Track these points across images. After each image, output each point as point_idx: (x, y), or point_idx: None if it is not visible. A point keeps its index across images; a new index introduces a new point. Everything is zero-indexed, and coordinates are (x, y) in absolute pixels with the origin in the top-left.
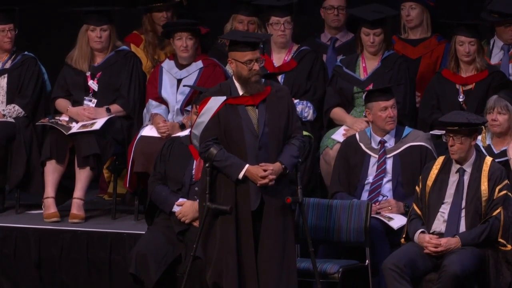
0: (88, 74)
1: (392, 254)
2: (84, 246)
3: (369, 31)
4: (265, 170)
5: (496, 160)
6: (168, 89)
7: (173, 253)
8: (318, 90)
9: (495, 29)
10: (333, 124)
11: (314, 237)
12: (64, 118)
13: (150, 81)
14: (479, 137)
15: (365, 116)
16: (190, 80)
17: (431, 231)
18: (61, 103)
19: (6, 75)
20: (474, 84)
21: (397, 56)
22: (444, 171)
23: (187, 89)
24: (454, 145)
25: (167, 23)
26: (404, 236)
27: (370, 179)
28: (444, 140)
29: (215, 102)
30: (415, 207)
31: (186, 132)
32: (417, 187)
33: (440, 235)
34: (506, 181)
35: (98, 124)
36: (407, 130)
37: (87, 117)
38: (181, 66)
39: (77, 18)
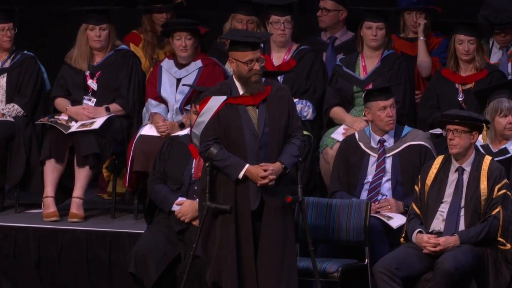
0: (87, 73)
1: (383, 258)
2: (84, 245)
3: (372, 24)
4: (265, 170)
5: (495, 159)
6: (167, 89)
7: (173, 252)
8: (318, 89)
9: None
10: (333, 124)
11: (313, 236)
12: (63, 117)
13: (149, 80)
14: (480, 137)
15: (365, 116)
16: (190, 79)
17: (430, 230)
18: (61, 102)
19: (5, 74)
20: (473, 83)
21: (397, 56)
22: (443, 170)
23: (187, 88)
24: (454, 139)
25: (166, 22)
26: (403, 235)
27: (369, 178)
28: (444, 135)
29: (215, 102)
30: (414, 207)
31: (185, 131)
32: (416, 187)
33: (439, 234)
34: (505, 180)
35: (98, 123)
36: (407, 129)
37: (87, 116)
38: (180, 66)
39: (76, 17)
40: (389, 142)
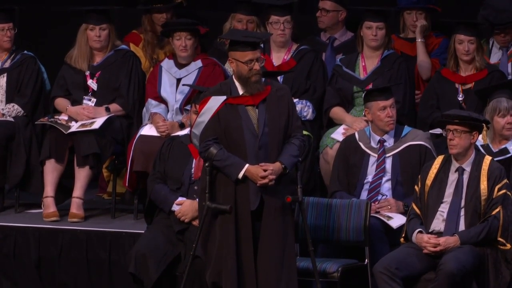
0: (87, 73)
1: (383, 258)
2: (84, 245)
3: (372, 24)
4: (265, 170)
5: (495, 159)
6: (167, 89)
7: (173, 252)
8: (318, 89)
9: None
10: (333, 124)
11: (313, 236)
12: (63, 117)
13: (149, 80)
14: (480, 137)
15: (365, 116)
16: (190, 79)
17: (430, 230)
18: (61, 102)
19: (5, 74)
20: (473, 83)
21: (397, 56)
22: (443, 170)
23: (187, 88)
24: (454, 139)
25: (166, 22)
26: (403, 235)
27: (369, 178)
28: (443, 135)
29: (215, 102)
30: (414, 207)
31: (185, 131)
32: (416, 187)
33: (439, 234)
34: (505, 180)
35: (98, 123)
36: (407, 129)
37: (87, 116)
38: (180, 66)
39: (76, 17)
40: (389, 142)
